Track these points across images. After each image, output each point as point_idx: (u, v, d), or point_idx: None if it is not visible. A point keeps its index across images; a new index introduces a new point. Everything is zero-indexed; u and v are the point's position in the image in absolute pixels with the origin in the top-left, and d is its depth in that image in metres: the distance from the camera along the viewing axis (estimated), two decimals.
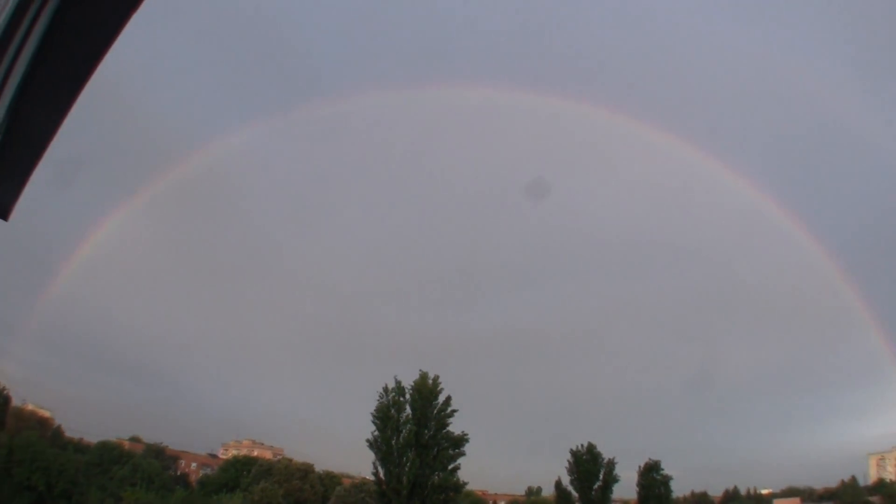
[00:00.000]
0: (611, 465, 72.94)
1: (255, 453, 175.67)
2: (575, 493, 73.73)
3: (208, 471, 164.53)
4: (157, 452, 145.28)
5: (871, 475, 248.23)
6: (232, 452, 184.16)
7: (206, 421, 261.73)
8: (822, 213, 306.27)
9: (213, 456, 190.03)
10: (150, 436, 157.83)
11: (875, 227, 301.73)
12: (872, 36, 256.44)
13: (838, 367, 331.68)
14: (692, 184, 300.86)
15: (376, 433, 75.70)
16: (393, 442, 74.94)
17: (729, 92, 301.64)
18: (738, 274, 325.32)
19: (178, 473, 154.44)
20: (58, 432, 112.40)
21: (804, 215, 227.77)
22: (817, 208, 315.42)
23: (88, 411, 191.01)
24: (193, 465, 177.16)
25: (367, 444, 76.27)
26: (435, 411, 75.23)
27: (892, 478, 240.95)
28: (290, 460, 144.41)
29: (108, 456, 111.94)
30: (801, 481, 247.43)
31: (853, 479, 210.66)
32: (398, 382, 76.24)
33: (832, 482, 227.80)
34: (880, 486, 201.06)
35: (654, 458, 75.82)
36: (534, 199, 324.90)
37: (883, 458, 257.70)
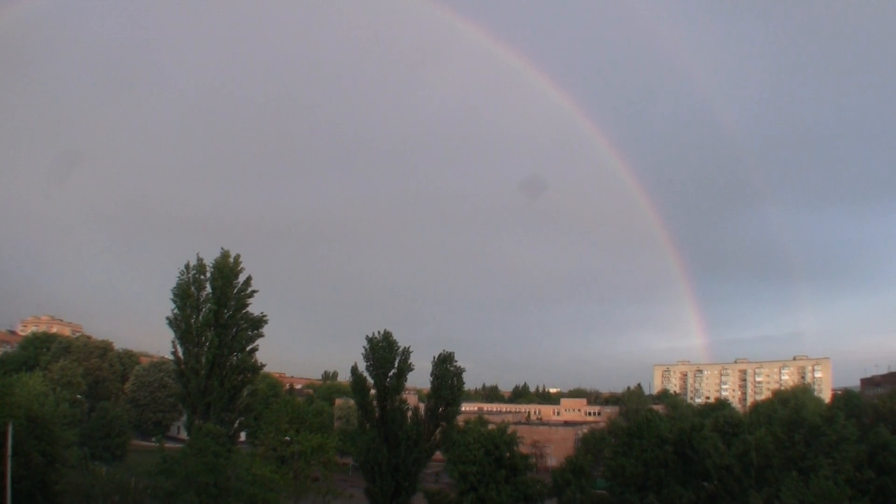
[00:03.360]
0: (406, 353, 74.96)
1: (54, 330, 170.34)
2: (370, 380, 75.52)
3: (7, 348, 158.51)
4: None
5: (655, 385, 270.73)
6: (31, 329, 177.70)
7: (3, 296, 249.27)
8: (627, 131, 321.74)
9: (12, 332, 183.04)
10: None
11: (677, 151, 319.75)
12: None
13: (631, 280, 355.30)
14: (499, 82, 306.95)
15: (176, 311, 74.71)
16: (192, 321, 74.29)
17: (552, 6, 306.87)
18: (543, 181, 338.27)
19: None
20: None
21: (609, 130, 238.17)
22: (625, 127, 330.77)
23: None
24: None
25: (167, 322, 75.25)
26: (235, 291, 74.87)
27: (676, 389, 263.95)
28: (89, 338, 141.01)
29: None
30: (589, 384, 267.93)
31: (638, 386, 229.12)
32: (199, 260, 75.20)
33: (618, 388, 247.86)
34: (664, 396, 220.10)
35: (449, 349, 78.39)
36: (348, 84, 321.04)
37: (668, 370, 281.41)
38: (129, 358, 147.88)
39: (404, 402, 76.38)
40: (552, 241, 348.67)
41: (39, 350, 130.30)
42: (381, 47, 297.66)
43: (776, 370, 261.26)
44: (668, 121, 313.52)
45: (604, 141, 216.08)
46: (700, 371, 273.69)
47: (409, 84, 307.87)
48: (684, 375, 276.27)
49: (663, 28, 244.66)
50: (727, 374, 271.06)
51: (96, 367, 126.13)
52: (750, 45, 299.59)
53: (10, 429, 50.35)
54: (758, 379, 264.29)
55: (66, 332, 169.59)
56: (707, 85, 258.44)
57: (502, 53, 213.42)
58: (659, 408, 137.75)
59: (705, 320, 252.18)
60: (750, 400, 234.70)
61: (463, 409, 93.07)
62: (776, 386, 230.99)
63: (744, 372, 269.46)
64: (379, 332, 74.94)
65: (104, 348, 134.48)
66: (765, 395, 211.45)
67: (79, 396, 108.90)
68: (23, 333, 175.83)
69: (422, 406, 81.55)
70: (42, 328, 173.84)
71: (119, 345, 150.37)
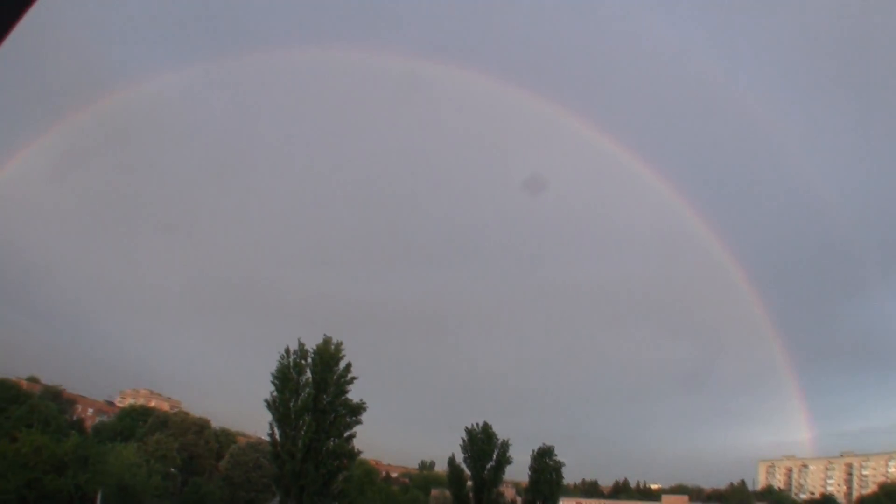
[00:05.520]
0: (505, 445, 73.51)
1: (153, 404, 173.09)
2: (468, 471, 74.15)
3: (104, 418, 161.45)
4: (55, 395, 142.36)
5: (759, 481, 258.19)
6: (129, 401, 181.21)
7: (105, 367, 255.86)
8: (730, 220, 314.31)
9: (110, 403, 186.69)
10: (49, 377, 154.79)
11: (781, 239, 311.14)
12: (796, 48, 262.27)
13: (735, 373, 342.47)
14: (608, 179, 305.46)
15: (275, 394, 74.89)
16: (291, 404, 74.26)
17: (651, 94, 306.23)
18: (645, 272, 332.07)
19: (75, 418, 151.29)
20: None
21: (712, 221, 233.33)
22: (726, 215, 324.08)
23: None
24: (90, 410, 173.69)
25: (265, 404, 75.46)
26: (335, 377, 74.74)
27: (780, 485, 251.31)
28: (187, 414, 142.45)
29: (5, 395, 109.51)
30: (691, 480, 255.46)
31: (742, 482, 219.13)
32: (301, 345, 75.45)
33: (721, 484, 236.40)
34: (768, 492, 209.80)
35: (548, 443, 76.64)
36: (451, 175, 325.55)
37: (773, 466, 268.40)
38: (225, 436, 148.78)
39: (501, 494, 74.65)
40: (655, 333, 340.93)
41: (136, 422, 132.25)
42: (494, 141, 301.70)
43: (883, 462, 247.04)
44: (772, 207, 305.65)
45: (705, 230, 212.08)
46: (805, 466, 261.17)
47: (518, 178, 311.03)
48: (789, 471, 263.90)
49: (762, 110, 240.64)
50: (833, 469, 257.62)
51: (192, 442, 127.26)
52: (858, 125, 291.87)
53: (98, 495, 50.62)
54: (864, 472, 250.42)
55: (165, 406, 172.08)
56: (812, 167, 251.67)
57: (608, 146, 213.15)
58: None
59: (811, 412, 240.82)
60: (856, 494, 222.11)
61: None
62: (882, 479, 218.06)
63: (850, 465, 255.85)
64: (478, 424, 73.82)
65: (201, 425, 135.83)
66: (871, 488, 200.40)
67: (172, 470, 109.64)
68: (121, 405, 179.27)
69: (519, 500, 79.51)
70: (140, 401, 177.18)
71: (217, 423, 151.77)
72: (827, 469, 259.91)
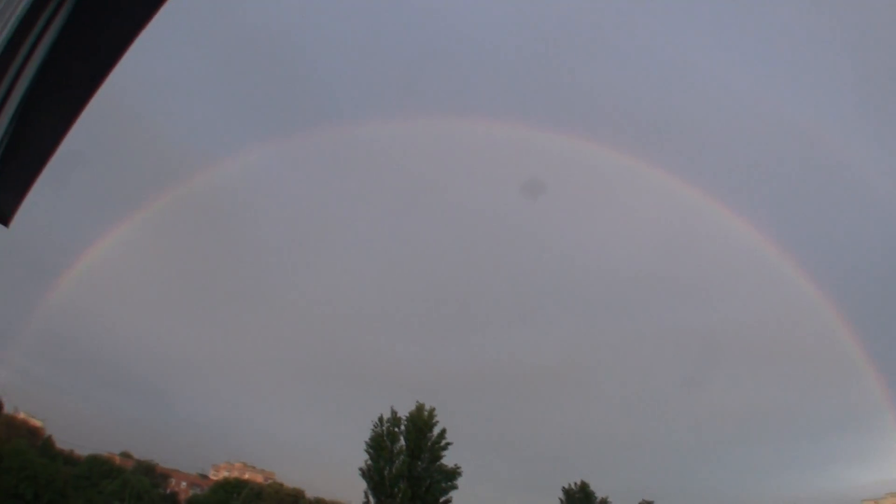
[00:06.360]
0: None
1: (246, 476, 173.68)
2: None
3: (198, 491, 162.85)
4: (148, 469, 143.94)
5: None
6: (223, 474, 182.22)
7: (198, 440, 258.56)
8: (822, 256, 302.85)
9: (204, 476, 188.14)
10: (141, 452, 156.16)
11: (877, 272, 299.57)
12: (879, 81, 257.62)
13: (834, 412, 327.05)
14: (690, 223, 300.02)
15: (369, 462, 75.05)
16: (385, 472, 74.23)
17: (731, 134, 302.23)
18: (736, 316, 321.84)
19: (168, 492, 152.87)
20: (48, 442, 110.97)
21: (803, 257, 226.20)
22: (817, 251, 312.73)
23: (81, 423, 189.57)
24: (183, 484, 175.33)
25: (360, 472, 75.59)
26: (429, 444, 74.61)
27: None
28: (281, 485, 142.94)
29: (98, 470, 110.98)
30: None
31: None
32: (394, 412, 75.74)
33: None
34: None
35: (648, 498, 75.21)
36: (536, 237, 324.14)
37: None
38: None
39: None
40: (747, 375, 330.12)
41: (230, 495, 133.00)
42: (574, 194, 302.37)
43: None
44: (860, 236, 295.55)
45: (790, 263, 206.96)
46: None
47: (594, 226, 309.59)
48: None
49: (842, 133, 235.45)
50: None
51: None
52: None
53: None
54: None
55: (259, 478, 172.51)
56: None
57: (688, 190, 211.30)
58: None
59: None
60: None
61: None
62: None
63: None
64: (575, 483, 72.71)
65: (296, 496, 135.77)
66: None
67: None
68: (214, 478, 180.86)
69: None
70: (234, 474, 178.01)
71: (311, 493, 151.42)
72: None
